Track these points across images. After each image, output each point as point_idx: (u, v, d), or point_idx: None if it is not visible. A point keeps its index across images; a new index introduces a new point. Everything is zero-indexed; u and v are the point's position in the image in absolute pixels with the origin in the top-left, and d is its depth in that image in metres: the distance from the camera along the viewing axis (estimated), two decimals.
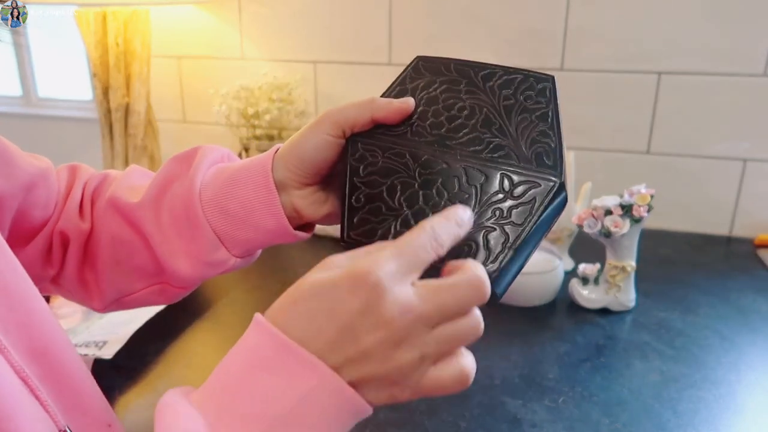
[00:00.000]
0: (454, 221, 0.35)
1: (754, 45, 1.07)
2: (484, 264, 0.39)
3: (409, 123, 0.47)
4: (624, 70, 1.14)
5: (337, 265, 0.33)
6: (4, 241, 0.39)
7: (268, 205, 0.47)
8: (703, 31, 1.08)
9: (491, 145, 0.44)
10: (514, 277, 0.41)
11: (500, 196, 0.41)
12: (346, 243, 0.43)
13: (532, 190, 0.41)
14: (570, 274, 0.94)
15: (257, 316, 0.33)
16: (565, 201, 0.41)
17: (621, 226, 0.83)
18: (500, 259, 0.39)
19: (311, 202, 0.48)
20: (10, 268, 0.38)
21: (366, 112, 0.46)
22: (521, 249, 0.40)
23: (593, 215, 0.85)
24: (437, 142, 0.45)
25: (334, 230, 1.09)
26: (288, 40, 1.31)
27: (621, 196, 0.86)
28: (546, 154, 0.42)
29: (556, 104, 0.45)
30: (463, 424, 0.66)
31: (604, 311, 0.89)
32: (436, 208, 0.42)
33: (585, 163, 1.14)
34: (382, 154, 0.46)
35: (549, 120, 0.44)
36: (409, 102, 0.47)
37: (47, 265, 0.54)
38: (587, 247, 1.00)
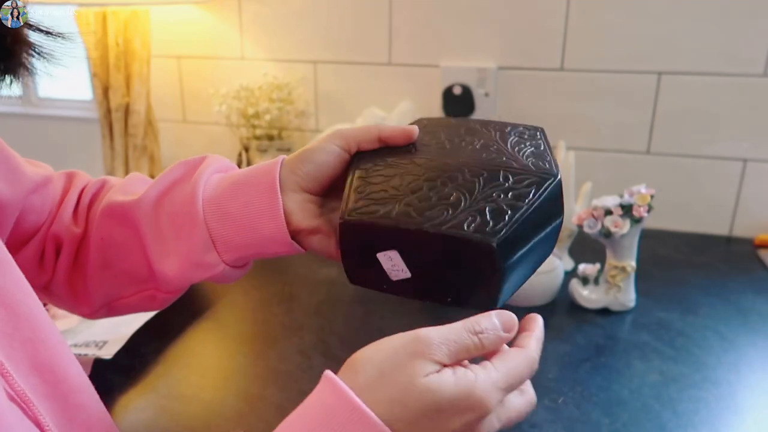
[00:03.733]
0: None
1: (754, 45, 1.07)
2: (487, 231, 0.40)
3: (413, 146, 0.50)
4: (624, 70, 1.14)
5: (439, 359, 0.35)
6: (11, 258, 0.39)
7: (270, 208, 0.47)
8: (703, 31, 1.08)
9: (491, 156, 0.47)
10: (523, 261, 0.42)
11: (503, 184, 0.44)
12: (345, 222, 0.43)
13: (529, 179, 0.44)
14: (570, 274, 0.94)
15: (358, 403, 0.33)
16: (559, 186, 0.44)
17: (621, 226, 0.83)
18: (503, 228, 0.40)
19: (302, 209, 0.48)
20: (17, 285, 0.38)
21: (374, 131, 0.49)
22: (523, 226, 0.41)
23: (593, 215, 0.85)
24: (440, 157, 0.48)
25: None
26: (288, 40, 1.31)
27: (621, 196, 0.86)
28: (541, 162, 0.46)
29: (546, 139, 0.50)
30: None
31: (604, 311, 0.89)
32: (440, 195, 0.43)
33: (585, 163, 1.14)
34: (386, 160, 0.48)
35: (542, 146, 0.48)
36: (414, 128, 0.50)
37: (40, 271, 0.54)
38: (587, 247, 1.00)
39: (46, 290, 0.56)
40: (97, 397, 0.41)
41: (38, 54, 0.38)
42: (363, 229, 0.43)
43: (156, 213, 0.50)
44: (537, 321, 0.40)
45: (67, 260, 0.53)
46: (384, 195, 0.44)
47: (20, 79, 0.38)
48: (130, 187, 0.54)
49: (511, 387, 0.36)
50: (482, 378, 0.34)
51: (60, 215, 0.54)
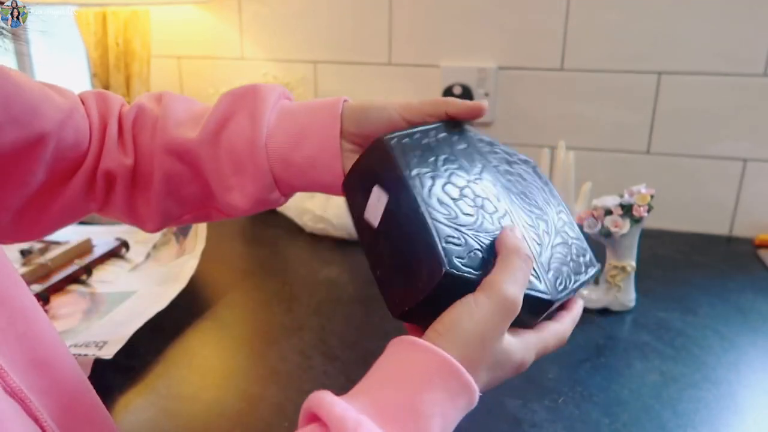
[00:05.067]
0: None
1: (754, 45, 1.07)
2: (453, 258, 0.39)
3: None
4: (624, 70, 1.14)
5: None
6: (4, 252, 0.39)
7: (331, 164, 0.50)
8: (703, 31, 1.08)
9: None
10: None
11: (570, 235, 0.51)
12: (379, 140, 0.45)
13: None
14: None
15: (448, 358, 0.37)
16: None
17: (621, 226, 0.83)
18: (462, 267, 0.39)
19: (351, 159, 0.50)
20: (10, 280, 0.38)
21: (442, 107, 0.49)
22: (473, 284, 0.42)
23: (593, 215, 0.85)
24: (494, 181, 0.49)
25: (334, 230, 1.10)
26: (288, 40, 1.31)
27: (621, 196, 0.86)
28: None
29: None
30: (463, 423, 0.66)
31: (604, 311, 0.89)
32: (461, 208, 0.43)
33: (585, 163, 1.14)
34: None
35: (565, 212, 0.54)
36: (482, 104, 0.49)
37: (89, 200, 0.55)
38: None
39: (101, 212, 0.57)
40: (93, 392, 0.41)
41: None
42: (384, 154, 0.44)
43: (215, 150, 0.52)
44: (577, 303, 0.48)
45: (124, 191, 0.55)
46: (430, 167, 0.44)
47: None
48: (176, 115, 0.55)
49: (543, 352, 0.43)
50: (533, 343, 0.43)
51: (107, 149, 0.54)
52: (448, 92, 1.20)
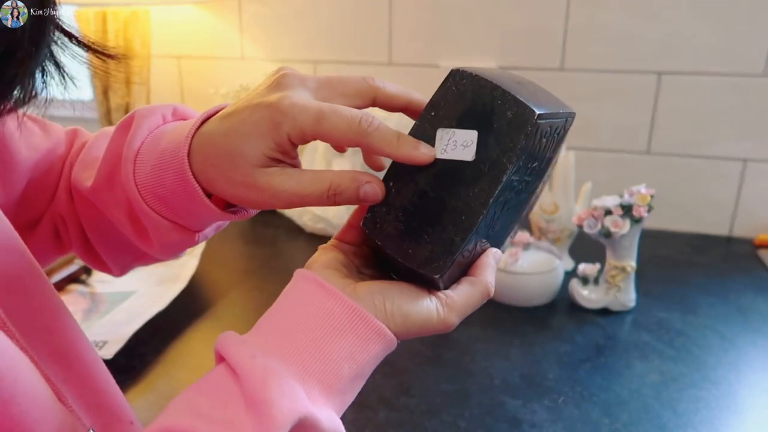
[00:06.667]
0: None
1: (754, 45, 1.07)
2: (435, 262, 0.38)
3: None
4: (624, 70, 1.14)
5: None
6: (26, 247, 0.39)
7: (190, 194, 0.42)
8: (703, 31, 1.08)
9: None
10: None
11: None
12: (457, 70, 0.39)
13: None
14: (570, 274, 0.94)
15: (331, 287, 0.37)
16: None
17: (621, 226, 0.83)
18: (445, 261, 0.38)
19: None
20: (31, 274, 0.38)
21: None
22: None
23: (593, 215, 0.85)
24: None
25: (334, 230, 1.09)
26: (288, 40, 1.31)
27: (621, 196, 0.86)
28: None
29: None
30: (462, 424, 0.66)
31: (604, 311, 0.89)
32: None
33: (585, 163, 1.14)
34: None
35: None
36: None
37: (59, 245, 0.53)
38: (587, 247, 1.00)
39: (66, 254, 0.55)
40: (113, 381, 0.42)
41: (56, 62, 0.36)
42: (524, 128, 0.37)
43: (113, 196, 0.46)
44: (495, 253, 0.42)
45: (77, 236, 0.52)
46: (521, 173, 0.39)
47: (27, 91, 0.35)
48: (91, 153, 0.50)
49: (467, 313, 0.40)
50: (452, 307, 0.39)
51: (60, 190, 0.52)
52: None
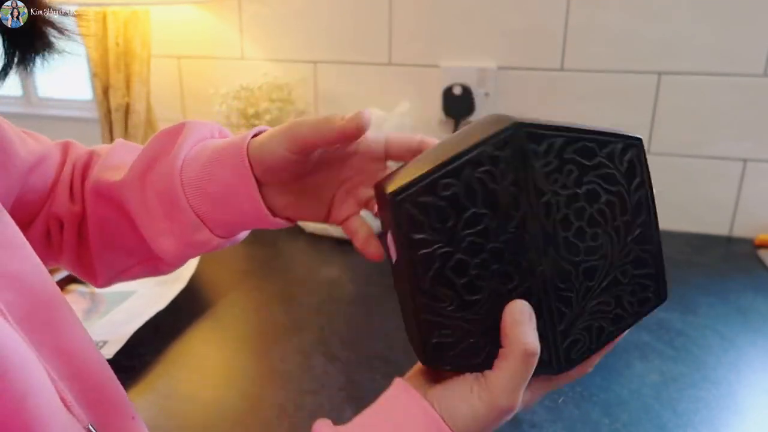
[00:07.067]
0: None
1: (754, 45, 1.07)
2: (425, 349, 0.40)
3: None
4: (624, 70, 1.14)
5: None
6: (28, 243, 0.39)
7: (248, 192, 0.46)
8: (703, 31, 1.08)
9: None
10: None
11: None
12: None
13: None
14: None
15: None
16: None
17: None
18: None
19: (279, 192, 0.48)
20: (34, 270, 0.38)
21: (322, 130, 0.43)
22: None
23: None
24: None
25: (335, 230, 1.10)
26: (288, 40, 1.31)
27: None
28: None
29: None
30: None
31: None
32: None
33: None
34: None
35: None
36: (362, 118, 0.42)
37: (49, 250, 0.54)
38: None
39: (60, 263, 0.56)
40: (116, 379, 0.42)
41: (59, 31, 0.39)
42: (393, 216, 0.37)
43: (142, 192, 0.49)
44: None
45: (71, 239, 0.53)
46: (444, 236, 0.37)
47: (45, 56, 0.39)
48: (115, 159, 0.53)
49: (519, 386, 0.40)
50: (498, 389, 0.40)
51: (57, 193, 0.53)
52: (448, 92, 1.20)
